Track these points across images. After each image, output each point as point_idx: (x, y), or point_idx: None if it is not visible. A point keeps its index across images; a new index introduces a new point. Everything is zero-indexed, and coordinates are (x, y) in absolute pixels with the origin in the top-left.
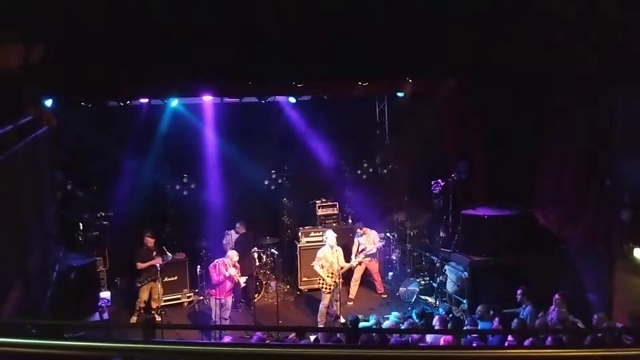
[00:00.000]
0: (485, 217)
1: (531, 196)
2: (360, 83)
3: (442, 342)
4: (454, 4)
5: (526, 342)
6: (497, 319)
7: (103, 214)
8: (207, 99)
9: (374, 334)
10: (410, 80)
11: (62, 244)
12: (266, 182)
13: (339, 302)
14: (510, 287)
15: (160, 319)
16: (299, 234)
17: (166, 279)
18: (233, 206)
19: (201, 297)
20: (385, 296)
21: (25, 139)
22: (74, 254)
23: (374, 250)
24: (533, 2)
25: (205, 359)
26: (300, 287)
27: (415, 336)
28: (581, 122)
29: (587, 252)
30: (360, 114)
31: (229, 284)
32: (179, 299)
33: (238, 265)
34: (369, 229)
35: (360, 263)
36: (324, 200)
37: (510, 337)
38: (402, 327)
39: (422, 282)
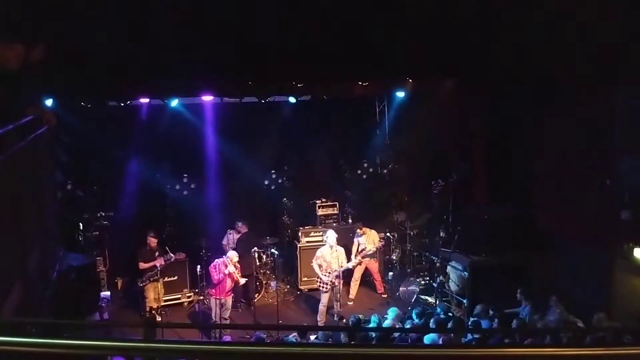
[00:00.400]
0: (485, 217)
1: (531, 196)
2: (360, 83)
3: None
4: (454, 3)
5: (526, 342)
6: (496, 320)
7: (103, 214)
8: (207, 99)
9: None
10: (410, 80)
11: (62, 244)
12: (266, 182)
13: (339, 302)
14: (510, 287)
15: (160, 319)
16: (299, 234)
17: (166, 279)
18: (233, 206)
19: (201, 297)
20: (385, 296)
21: (25, 139)
22: (74, 254)
23: (374, 250)
24: (533, 2)
25: (207, 358)
26: (300, 287)
27: (414, 336)
28: (581, 122)
29: (587, 252)
30: (360, 114)
31: (229, 284)
32: (179, 298)
33: (238, 265)
34: (368, 229)
35: (360, 263)
36: (324, 200)
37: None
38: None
39: (422, 282)
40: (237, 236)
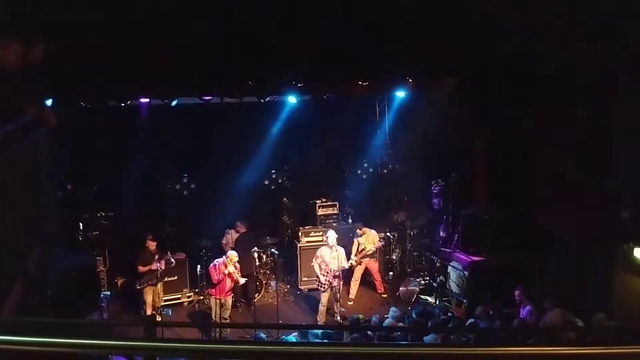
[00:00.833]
0: (485, 217)
1: (531, 196)
2: (360, 83)
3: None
4: (454, 3)
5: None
6: (497, 320)
7: (103, 214)
8: (207, 98)
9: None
10: (410, 80)
11: (62, 244)
12: (266, 182)
13: (339, 302)
14: (510, 287)
15: (160, 319)
16: (299, 233)
17: (166, 279)
18: (233, 206)
19: (201, 297)
20: (385, 296)
21: (26, 139)
22: (74, 254)
23: (374, 250)
24: (533, 2)
25: (207, 357)
26: (300, 287)
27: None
28: (581, 122)
29: (587, 252)
30: (360, 114)
31: (228, 284)
32: (179, 298)
33: (238, 265)
34: (368, 229)
35: (360, 263)
36: (324, 200)
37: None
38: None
39: (422, 282)
40: (235, 236)
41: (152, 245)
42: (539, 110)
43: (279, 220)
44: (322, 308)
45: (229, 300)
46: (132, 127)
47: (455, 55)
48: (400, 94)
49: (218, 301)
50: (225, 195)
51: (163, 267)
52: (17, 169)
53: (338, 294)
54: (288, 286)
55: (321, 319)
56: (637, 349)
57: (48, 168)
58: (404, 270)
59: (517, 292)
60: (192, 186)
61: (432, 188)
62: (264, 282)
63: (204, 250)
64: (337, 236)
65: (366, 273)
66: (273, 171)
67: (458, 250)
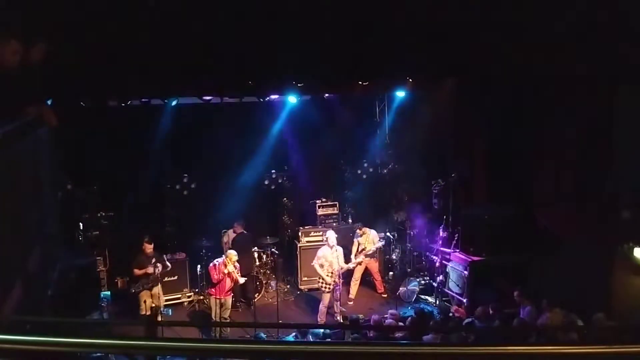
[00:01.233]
0: (485, 217)
1: (531, 196)
2: (360, 83)
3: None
4: (454, 4)
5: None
6: (497, 320)
7: (103, 214)
8: (207, 98)
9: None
10: (410, 80)
11: (62, 244)
12: (266, 182)
13: (339, 302)
14: (510, 287)
15: (160, 318)
16: (299, 233)
17: (166, 279)
18: (233, 206)
19: (201, 297)
20: (386, 296)
21: (26, 139)
22: (74, 254)
23: (374, 250)
24: (533, 2)
25: (207, 356)
26: (300, 286)
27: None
28: (581, 122)
29: (587, 252)
30: (360, 113)
31: (228, 284)
32: (179, 298)
33: (238, 265)
34: (368, 229)
35: (360, 263)
36: (324, 200)
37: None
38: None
39: (422, 282)
40: (233, 236)
41: (148, 248)
42: (539, 110)
43: (278, 220)
44: (322, 308)
45: (229, 300)
46: (132, 127)
47: (455, 55)
48: (400, 94)
49: (218, 301)
50: (225, 195)
51: (160, 270)
52: (17, 169)
53: (338, 294)
54: (288, 286)
55: (321, 318)
56: (637, 349)
57: (48, 168)
58: (404, 270)
59: (516, 293)
60: (192, 186)
61: (432, 188)
62: (263, 282)
63: (203, 250)
64: (337, 236)
65: (366, 273)
66: (273, 171)
67: (458, 250)
